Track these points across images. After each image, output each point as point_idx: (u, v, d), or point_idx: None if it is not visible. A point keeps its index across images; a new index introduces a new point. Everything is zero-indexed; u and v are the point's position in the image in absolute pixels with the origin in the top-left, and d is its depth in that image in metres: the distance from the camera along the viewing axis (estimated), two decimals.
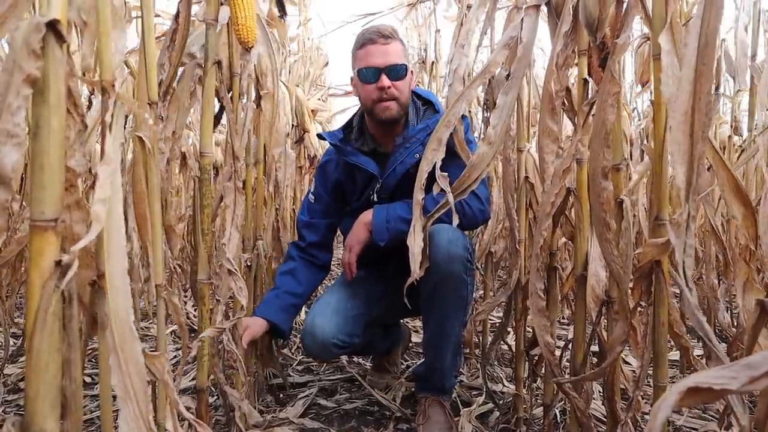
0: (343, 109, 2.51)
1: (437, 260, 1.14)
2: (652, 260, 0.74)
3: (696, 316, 0.52)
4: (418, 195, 0.96)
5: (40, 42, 0.41)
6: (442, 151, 0.98)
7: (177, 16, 0.84)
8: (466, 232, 1.60)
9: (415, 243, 0.97)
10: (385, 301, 1.43)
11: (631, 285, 0.81)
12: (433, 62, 2.33)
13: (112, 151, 0.48)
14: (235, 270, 0.82)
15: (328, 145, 1.46)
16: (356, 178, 1.41)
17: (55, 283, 0.43)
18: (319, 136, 1.55)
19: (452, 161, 1.12)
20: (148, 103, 0.67)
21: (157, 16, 1.99)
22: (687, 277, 0.54)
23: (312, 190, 1.49)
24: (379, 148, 1.39)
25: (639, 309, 0.81)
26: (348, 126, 1.46)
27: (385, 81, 1.28)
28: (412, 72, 1.40)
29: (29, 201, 0.43)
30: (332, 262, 1.59)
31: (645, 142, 2.60)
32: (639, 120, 2.67)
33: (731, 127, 1.95)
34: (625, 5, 0.82)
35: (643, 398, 1.35)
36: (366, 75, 1.30)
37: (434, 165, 0.95)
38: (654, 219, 0.76)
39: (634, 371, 1.47)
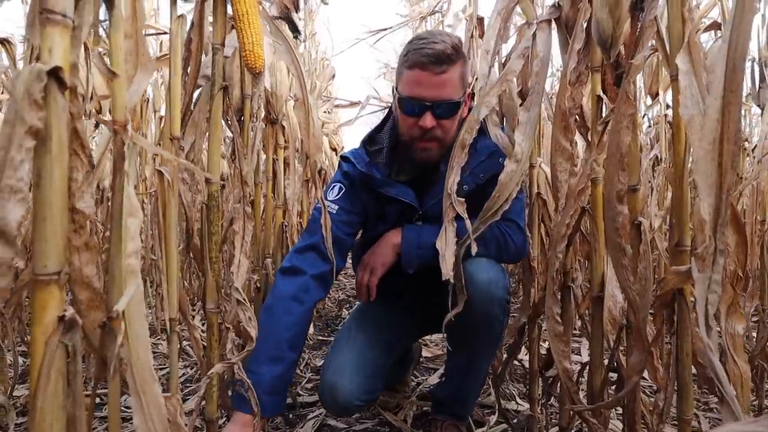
0: (348, 120, 2.50)
1: (475, 301, 1.02)
2: (674, 288, 0.71)
3: (712, 361, 0.50)
4: (447, 200, 0.85)
5: (42, 91, 0.40)
6: (465, 158, 0.93)
7: (189, 43, 0.84)
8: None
9: (447, 247, 0.87)
10: (406, 336, 1.34)
11: (651, 312, 0.79)
12: None
13: (136, 201, 0.47)
14: (244, 300, 0.80)
15: (350, 155, 1.21)
16: (386, 207, 1.19)
17: (58, 338, 0.41)
18: (343, 158, 1.25)
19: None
20: (170, 138, 0.67)
21: (164, 33, 2.00)
22: (708, 316, 0.52)
23: (332, 198, 1.18)
24: (421, 176, 1.17)
25: (661, 337, 0.79)
26: (371, 141, 1.22)
27: (428, 120, 1.05)
28: (469, 96, 1.14)
29: (32, 252, 0.42)
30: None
31: (654, 148, 2.56)
32: (649, 127, 2.63)
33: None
34: (639, 24, 0.79)
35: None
36: (408, 106, 1.06)
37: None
38: (675, 245, 0.74)
39: (654, 398, 1.44)
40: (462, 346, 1.17)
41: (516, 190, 0.86)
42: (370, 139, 1.23)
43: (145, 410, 0.53)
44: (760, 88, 1.57)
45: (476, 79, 1.54)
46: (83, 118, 0.47)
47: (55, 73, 0.41)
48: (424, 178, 1.17)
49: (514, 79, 1.23)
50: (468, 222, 0.85)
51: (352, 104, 2.62)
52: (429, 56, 1.02)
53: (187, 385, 1.68)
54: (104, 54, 0.63)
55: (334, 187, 1.20)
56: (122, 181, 0.55)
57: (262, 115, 1.25)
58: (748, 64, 1.65)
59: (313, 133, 0.85)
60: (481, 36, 1.69)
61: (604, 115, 0.95)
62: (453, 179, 0.89)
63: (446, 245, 0.84)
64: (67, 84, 0.42)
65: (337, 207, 1.16)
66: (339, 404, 1.14)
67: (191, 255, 0.95)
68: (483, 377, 1.24)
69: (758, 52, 1.60)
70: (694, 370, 0.71)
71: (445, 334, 1.17)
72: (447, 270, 0.82)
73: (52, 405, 0.41)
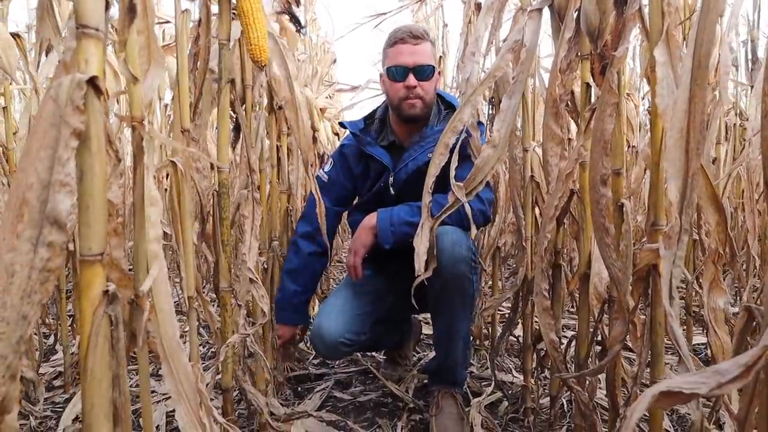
0: (350, 104, 2.53)
1: (442, 262, 1.18)
2: (649, 264, 0.78)
3: (672, 327, 0.56)
4: (426, 198, 1.00)
5: (83, 98, 0.46)
6: (447, 156, 1.03)
7: (197, 39, 0.89)
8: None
9: (422, 243, 1.01)
10: (391, 299, 1.49)
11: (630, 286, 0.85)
12: (440, 56, 2.34)
13: (156, 192, 0.53)
14: (256, 278, 0.87)
15: (348, 132, 1.53)
16: (370, 167, 1.46)
17: (103, 309, 0.48)
18: (341, 125, 1.60)
19: (464, 164, 1.15)
20: (182, 131, 0.72)
21: (166, 22, 2.03)
22: (672, 288, 0.58)
23: (326, 170, 1.51)
24: (397, 142, 1.45)
25: (639, 308, 0.86)
26: (370, 117, 1.52)
27: (412, 80, 1.33)
28: (439, 72, 1.44)
29: (78, 238, 0.48)
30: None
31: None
32: (649, 106, 2.65)
33: (736, 114, 1.95)
34: (623, 17, 0.84)
35: (641, 392, 1.40)
36: (395, 73, 1.35)
37: (448, 171, 0.99)
38: (651, 225, 0.80)
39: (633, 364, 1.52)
40: (440, 311, 1.31)
41: (491, 173, 0.92)
42: (369, 115, 1.54)
43: (175, 375, 0.61)
44: (752, 69, 1.61)
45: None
46: (109, 116, 0.53)
47: (92, 82, 0.47)
48: (400, 146, 1.44)
49: (510, 66, 1.28)
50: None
51: (353, 88, 2.65)
52: (406, 32, 1.34)
53: (201, 361, 1.77)
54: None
55: (328, 161, 1.54)
56: (143, 173, 0.61)
57: (265, 103, 1.30)
58: (741, 46, 1.68)
59: (304, 132, 0.91)
60: None
61: (593, 101, 1.00)
62: (432, 177, 0.95)
63: (421, 242, 0.92)
64: (101, 90, 0.48)
65: (327, 177, 1.50)
66: (326, 342, 1.36)
67: (204, 239, 1.01)
68: (466, 340, 1.35)
69: (749, 33, 1.63)
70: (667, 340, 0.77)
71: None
72: (420, 266, 0.91)
73: (101, 365, 0.48)
